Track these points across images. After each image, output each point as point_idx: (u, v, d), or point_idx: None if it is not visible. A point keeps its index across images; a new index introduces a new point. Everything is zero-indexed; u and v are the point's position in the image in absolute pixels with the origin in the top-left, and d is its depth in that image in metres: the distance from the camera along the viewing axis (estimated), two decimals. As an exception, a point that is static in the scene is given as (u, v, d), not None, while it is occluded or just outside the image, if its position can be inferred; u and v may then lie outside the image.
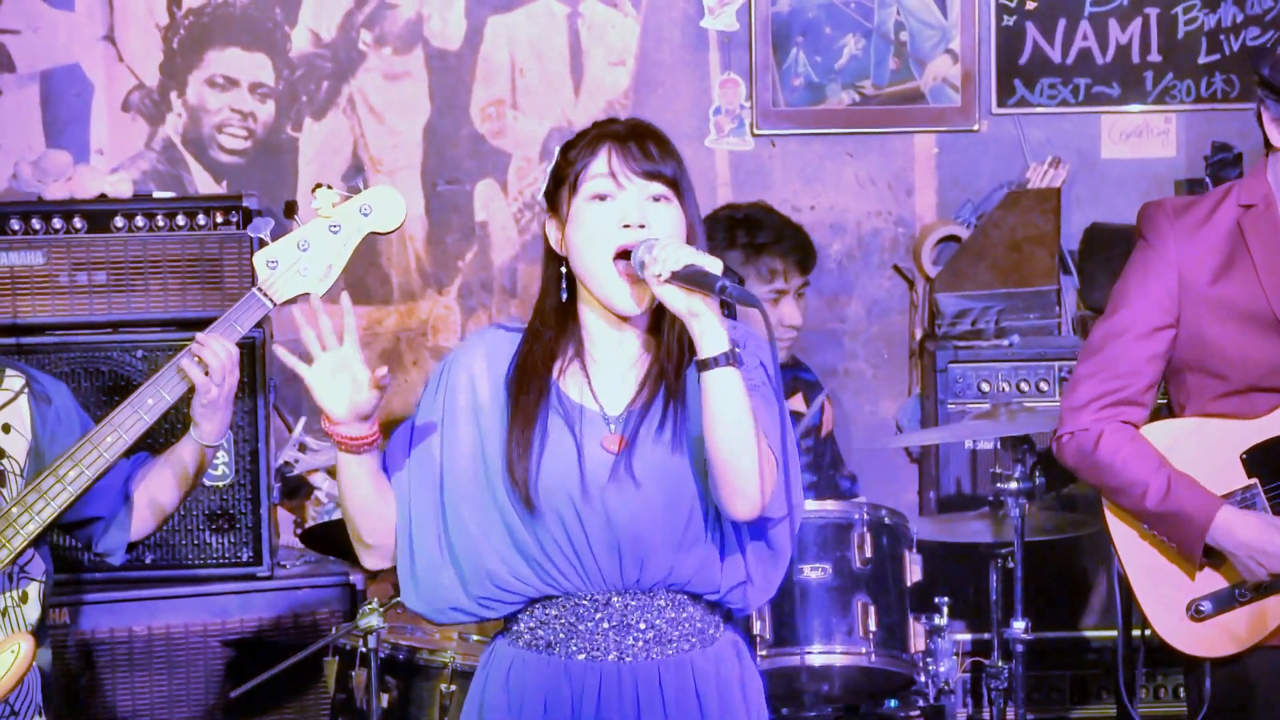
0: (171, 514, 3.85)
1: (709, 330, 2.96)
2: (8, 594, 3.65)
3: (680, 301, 2.97)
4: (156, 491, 3.77)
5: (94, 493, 3.66)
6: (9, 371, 3.75)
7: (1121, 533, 3.83)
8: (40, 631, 3.71)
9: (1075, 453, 3.82)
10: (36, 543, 3.64)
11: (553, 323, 3.19)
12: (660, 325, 3.15)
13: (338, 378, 3.07)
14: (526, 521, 3.11)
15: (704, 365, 2.96)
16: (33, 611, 3.69)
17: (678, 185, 3.12)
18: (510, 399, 3.15)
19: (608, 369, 3.17)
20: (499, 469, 3.13)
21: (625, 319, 3.14)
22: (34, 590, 3.69)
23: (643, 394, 3.14)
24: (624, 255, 3.07)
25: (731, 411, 2.95)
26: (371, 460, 3.14)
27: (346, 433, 3.09)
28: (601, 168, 3.11)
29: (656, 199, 3.11)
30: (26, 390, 3.73)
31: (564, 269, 3.16)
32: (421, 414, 3.23)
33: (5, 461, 3.69)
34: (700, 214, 3.19)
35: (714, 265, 2.96)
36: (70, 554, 4.88)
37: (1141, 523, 3.79)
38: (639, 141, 3.12)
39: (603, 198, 3.10)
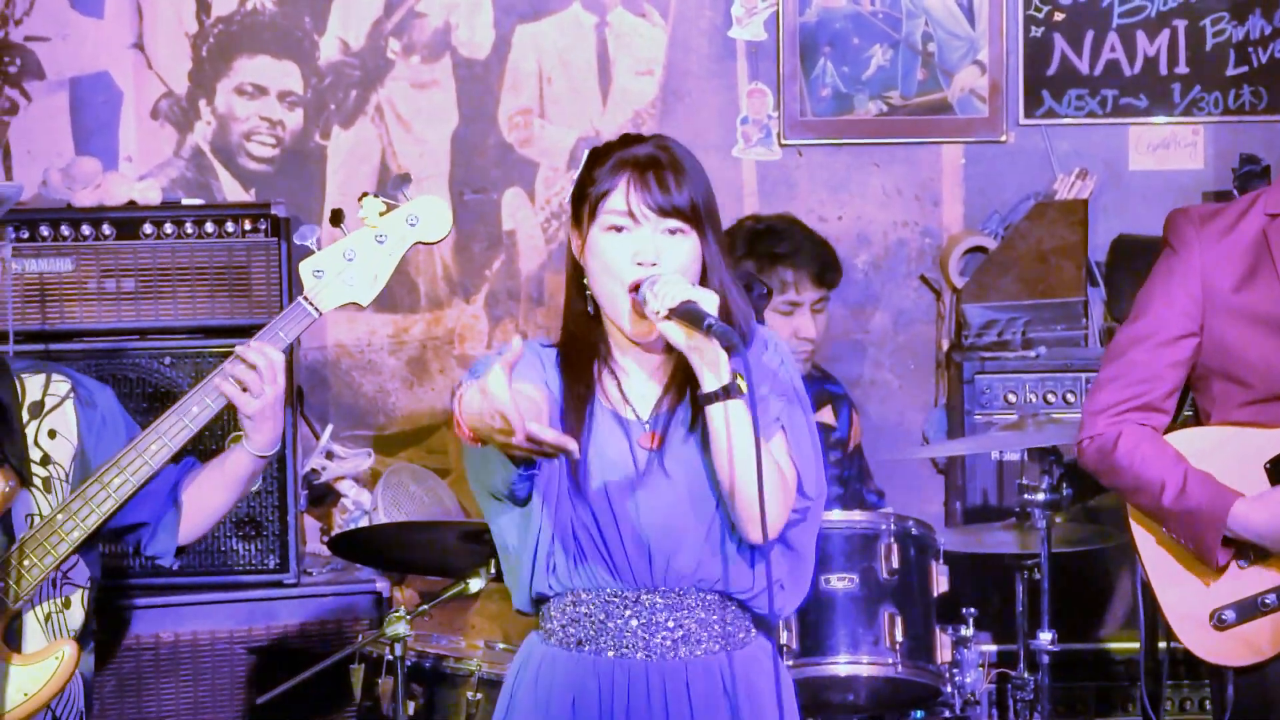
0: (223, 518, 3.86)
1: (706, 366, 3.03)
2: (52, 600, 3.66)
3: (679, 337, 3.03)
4: (206, 496, 3.77)
5: (140, 498, 3.65)
6: (55, 376, 3.75)
7: (1145, 540, 3.82)
8: (84, 637, 3.71)
9: (1095, 455, 3.82)
10: (84, 548, 3.64)
11: (584, 327, 3.23)
12: None
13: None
14: (566, 516, 3.15)
15: (706, 400, 3.03)
16: (76, 617, 3.69)
17: (695, 216, 3.14)
18: (562, 397, 3.19)
19: (634, 375, 3.22)
20: (552, 464, 3.15)
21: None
22: (78, 597, 3.70)
23: (668, 397, 3.20)
24: (636, 288, 3.10)
25: (735, 444, 3.01)
26: None
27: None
28: (619, 203, 3.13)
29: (672, 232, 3.13)
30: (72, 395, 3.73)
31: (586, 281, 3.20)
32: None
33: (51, 467, 3.69)
34: (721, 236, 3.20)
35: (709, 302, 3.00)
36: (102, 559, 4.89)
37: (1161, 525, 3.78)
38: (658, 173, 3.13)
39: (619, 229, 3.13)
